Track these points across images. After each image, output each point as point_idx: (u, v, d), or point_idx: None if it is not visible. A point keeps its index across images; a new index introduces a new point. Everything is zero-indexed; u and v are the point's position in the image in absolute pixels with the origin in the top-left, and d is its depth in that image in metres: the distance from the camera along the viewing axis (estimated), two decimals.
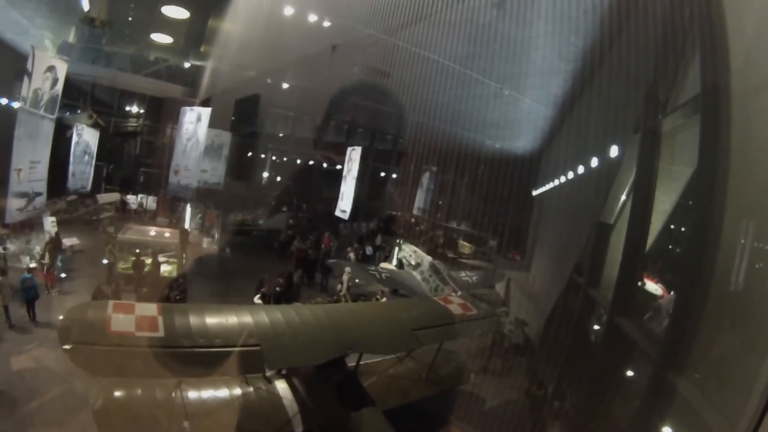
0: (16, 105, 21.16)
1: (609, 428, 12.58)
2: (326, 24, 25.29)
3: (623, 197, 16.19)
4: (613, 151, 16.37)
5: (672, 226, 14.23)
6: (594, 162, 18.42)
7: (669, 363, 10.04)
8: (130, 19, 30.68)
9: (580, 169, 20.33)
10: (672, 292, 13.33)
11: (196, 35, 31.02)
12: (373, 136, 41.56)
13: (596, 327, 16.50)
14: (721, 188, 9.57)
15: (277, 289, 20.47)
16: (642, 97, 14.24)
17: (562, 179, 23.64)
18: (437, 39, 22.77)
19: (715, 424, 8.01)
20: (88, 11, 28.17)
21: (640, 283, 14.41)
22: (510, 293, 24.38)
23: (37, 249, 21.21)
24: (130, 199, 32.98)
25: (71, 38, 30.64)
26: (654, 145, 13.57)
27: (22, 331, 16.08)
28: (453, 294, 19.93)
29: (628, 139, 15.29)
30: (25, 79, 19.78)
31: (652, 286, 15.01)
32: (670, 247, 15.11)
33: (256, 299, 18.31)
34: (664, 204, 13.60)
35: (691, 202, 12.45)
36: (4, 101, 27.56)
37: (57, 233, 20.90)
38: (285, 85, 33.98)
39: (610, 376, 13.52)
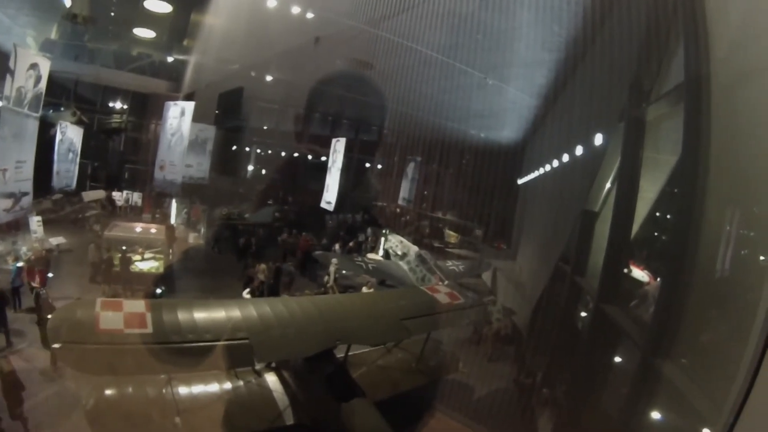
0: None
1: (597, 414, 12.74)
2: (309, 16, 25.14)
3: (608, 185, 16.31)
4: (598, 140, 16.48)
5: (657, 214, 14.35)
6: (579, 151, 18.53)
7: (656, 349, 10.17)
8: (112, 14, 30.34)
9: (565, 158, 20.44)
10: (658, 279, 13.49)
11: (179, 29, 30.77)
12: (358, 127, 41.50)
13: (583, 314, 16.66)
14: (706, 176, 9.67)
15: (270, 281, 20.57)
16: (626, 86, 14.32)
17: (547, 168, 23.77)
18: (420, 30, 22.73)
19: (702, 407, 8.14)
20: (71, 7, 27.80)
21: (626, 271, 14.57)
22: (497, 282, 24.52)
23: (24, 249, 21.10)
24: (116, 195, 32.71)
25: (54, 35, 30.19)
26: (638, 134, 13.66)
27: (13, 333, 16.03)
28: (440, 283, 20.01)
29: (613, 128, 15.38)
30: (8, 77, 19.64)
31: (639, 273, 15.16)
32: (655, 234, 15.24)
33: (245, 294, 18.27)
34: (648, 192, 13.69)
35: (675, 190, 12.56)
36: None
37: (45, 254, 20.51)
38: (269, 78, 33.76)
39: (598, 362, 13.68)
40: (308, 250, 27.34)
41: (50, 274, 19.36)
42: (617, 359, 13.43)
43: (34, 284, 17.62)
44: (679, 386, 9.08)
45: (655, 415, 10.06)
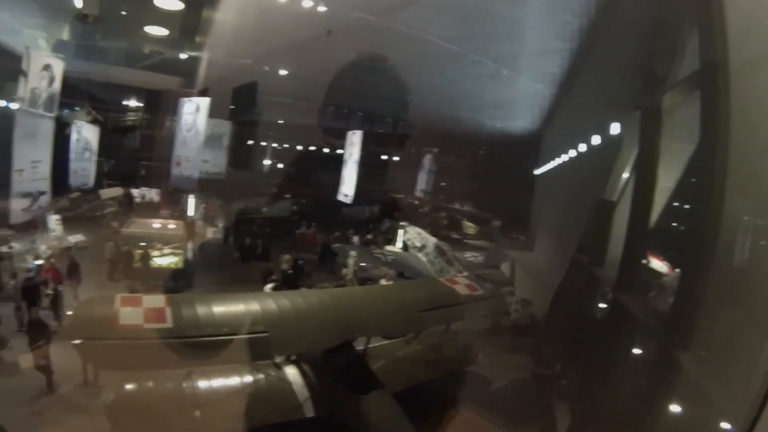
0: (14, 106, 21.01)
1: (615, 406, 12.68)
2: (321, 9, 25.07)
3: (625, 175, 16.14)
4: (614, 129, 16.32)
5: (675, 204, 14.21)
6: (595, 140, 18.37)
7: (674, 340, 10.09)
8: (123, 13, 30.31)
9: (582, 147, 20.29)
10: (677, 270, 13.35)
11: (191, 26, 30.64)
12: (372, 119, 41.36)
13: (601, 305, 16.54)
14: (723, 165, 9.54)
15: (290, 272, 20.64)
16: (641, 73, 14.15)
17: (564, 158, 23.61)
18: (432, 20, 22.63)
19: (720, 400, 8.09)
20: (81, 8, 27.90)
21: (644, 261, 14.44)
22: (515, 273, 24.43)
23: (43, 248, 21.27)
24: (134, 192, 32.93)
25: (65, 36, 30.29)
26: (655, 122, 13.52)
27: None
28: (458, 275, 19.94)
29: (629, 117, 15.23)
30: (21, 79, 19.79)
31: (657, 264, 15.02)
32: (673, 224, 15.09)
33: (268, 288, 18.27)
34: (666, 181, 13.57)
35: (693, 179, 12.43)
36: (2, 103, 27.28)
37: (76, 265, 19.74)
38: (282, 72, 33.70)
39: (616, 354, 13.59)
40: (320, 244, 27.40)
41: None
42: (635, 350, 13.34)
43: (48, 290, 17.20)
44: (697, 378, 9.02)
45: (673, 407, 9.99)
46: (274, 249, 24.31)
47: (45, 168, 21.53)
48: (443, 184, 39.29)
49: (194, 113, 29.68)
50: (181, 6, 28.23)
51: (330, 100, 36.92)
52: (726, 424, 7.73)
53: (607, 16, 15.69)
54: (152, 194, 32.93)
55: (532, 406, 14.71)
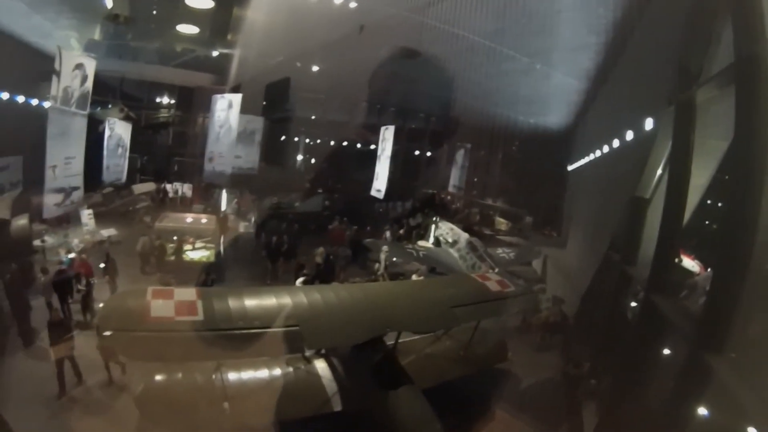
0: (47, 105, 21.62)
1: (644, 407, 12.48)
2: (353, 5, 25.12)
3: (659, 171, 15.82)
4: (648, 124, 16.03)
5: (708, 201, 13.91)
6: (629, 135, 18.06)
7: (705, 342, 9.89)
8: (154, 12, 30.75)
9: (615, 143, 19.98)
10: (709, 269, 13.07)
11: (222, 23, 30.92)
12: (405, 115, 41.26)
13: (633, 304, 16.28)
14: (760, 161, 9.29)
15: (322, 266, 20.84)
16: (674, 68, 13.85)
17: (597, 154, 23.28)
18: (465, 15, 22.50)
19: (751, 405, 7.92)
20: (112, 8, 28.38)
21: (677, 260, 14.14)
22: (546, 270, 24.18)
23: (75, 242, 21.73)
24: (168, 187, 33.67)
25: (97, 36, 30.84)
26: (689, 118, 13.21)
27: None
28: (490, 271, 19.85)
29: (662, 112, 14.93)
30: (54, 78, 20.37)
31: (689, 263, 14.71)
32: (707, 222, 14.76)
33: (299, 283, 18.46)
34: (699, 178, 13.24)
35: (727, 177, 12.13)
36: (35, 102, 28.02)
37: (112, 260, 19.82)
38: (315, 69, 33.92)
39: (646, 354, 13.37)
40: (347, 239, 27.52)
41: (102, 265, 19.35)
42: (666, 351, 13.10)
43: (81, 286, 17.41)
44: (728, 382, 8.83)
45: (702, 410, 9.81)
46: (305, 244, 24.41)
47: (78, 164, 22.15)
48: (476, 179, 39.13)
49: (227, 109, 30.12)
50: (211, 4, 28.56)
51: (362, 96, 37.06)
52: (754, 430, 7.59)
53: (639, 8, 15.40)
54: (185, 189, 33.50)
55: (562, 405, 14.60)
